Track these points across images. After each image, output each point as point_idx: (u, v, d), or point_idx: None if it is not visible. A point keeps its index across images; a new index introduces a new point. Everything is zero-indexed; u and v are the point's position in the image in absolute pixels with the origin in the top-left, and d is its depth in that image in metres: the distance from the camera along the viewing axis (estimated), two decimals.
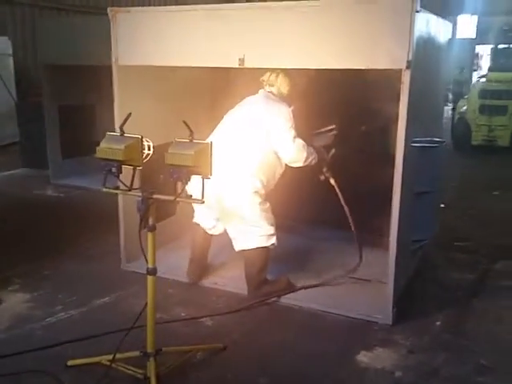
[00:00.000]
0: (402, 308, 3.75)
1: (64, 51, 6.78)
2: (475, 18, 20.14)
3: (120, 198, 4.45)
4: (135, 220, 4.57)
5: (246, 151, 3.92)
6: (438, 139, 4.63)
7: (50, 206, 6.56)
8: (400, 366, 3.23)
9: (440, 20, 4.48)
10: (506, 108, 10.48)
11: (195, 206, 4.09)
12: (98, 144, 2.66)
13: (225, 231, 4.15)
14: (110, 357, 3.00)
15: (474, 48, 17.40)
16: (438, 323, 3.77)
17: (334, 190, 4.35)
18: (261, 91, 4.20)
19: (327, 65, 3.61)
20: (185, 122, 2.75)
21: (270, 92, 4.16)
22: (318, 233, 5.26)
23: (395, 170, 3.53)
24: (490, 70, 11.79)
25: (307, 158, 4.04)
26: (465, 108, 11.07)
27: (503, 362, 3.32)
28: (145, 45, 4.13)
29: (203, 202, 2.81)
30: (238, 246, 4.04)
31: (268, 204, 3.98)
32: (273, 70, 4.12)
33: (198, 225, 4.26)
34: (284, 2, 3.66)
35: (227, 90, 5.56)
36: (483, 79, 11.70)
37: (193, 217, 4.29)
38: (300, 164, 4.06)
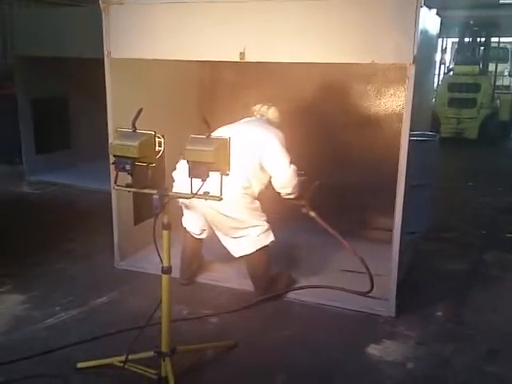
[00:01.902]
0: (402, 300, 3.79)
1: (37, 43, 6.57)
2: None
3: (114, 196, 4.34)
4: (128, 217, 4.57)
5: (239, 161, 3.56)
6: (430, 133, 4.72)
7: (28, 204, 6.38)
8: (410, 358, 3.27)
9: (432, 14, 4.53)
10: (474, 101, 10.76)
11: (184, 209, 4.00)
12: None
13: (213, 234, 4.04)
14: (122, 358, 2.92)
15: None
16: (439, 314, 3.84)
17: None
18: (255, 117, 4.21)
19: (332, 59, 3.60)
20: (204, 119, 2.70)
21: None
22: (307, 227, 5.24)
23: (399, 164, 3.56)
24: (456, 63, 12.06)
25: (296, 186, 3.96)
26: (433, 101, 11.29)
27: (508, 350, 3.40)
28: (139, 38, 4.02)
29: (221, 199, 2.76)
30: (238, 252, 3.92)
31: (258, 203, 3.90)
32: (264, 103, 4.19)
33: (186, 229, 4.15)
34: None
35: (214, 82, 5.54)
36: (451, 73, 11.97)
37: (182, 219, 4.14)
38: (289, 190, 3.94)
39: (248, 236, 3.84)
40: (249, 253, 3.87)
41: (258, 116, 4.20)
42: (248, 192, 3.81)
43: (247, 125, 4.09)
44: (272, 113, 4.17)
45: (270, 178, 3.95)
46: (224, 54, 3.83)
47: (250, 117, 4.23)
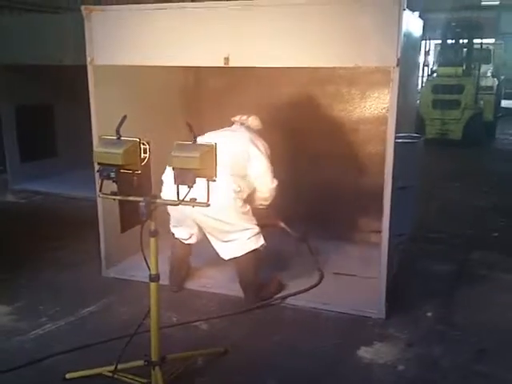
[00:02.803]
0: (391, 302, 3.79)
1: (20, 51, 6.51)
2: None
3: (100, 204, 4.31)
4: (115, 225, 4.53)
5: (230, 166, 3.80)
6: (414, 134, 4.74)
7: (12, 213, 6.32)
8: (401, 360, 3.27)
9: (414, 17, 4.55)
10: (458, 102, 10.85)
11: (172, 215, 3.98)
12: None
13: (202, 239, 4.06)
14: (112, 367, 2.90)
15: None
16: (429, 314, 3.85)
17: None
18: (238, 125, 4.30)
19: (316, 63, 3.62)
20: (188, 123, 2.68)
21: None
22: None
23: (386, 166, 3.57)
24: (439, 65, 12.16)
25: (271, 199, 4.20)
26: (417, 102, 11.35)
27: (496, 349, 3.42)
28: (122, 44, 4.00)
29: (208, 205, 2.75)
30: (228, 255, 3.91)
31: (248, 207, 3.94)
32: (243, 113, 4.32)
33: (174, 234, 4.14)
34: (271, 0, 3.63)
35: (198, 88, 5.53)
36: (434, 74, 12.06)
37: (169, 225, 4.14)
38: (266, 203, 4.19)
39: (238, 239, 3.84)
40: (238, 255, 3.86)
41: (239, 125, 4.27)
42: (239, 196, 3.83)
43: (234, 133, 4.15)
44: (252, 121, 4.28)
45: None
46: (208, 60, 3.83)
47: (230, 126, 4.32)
